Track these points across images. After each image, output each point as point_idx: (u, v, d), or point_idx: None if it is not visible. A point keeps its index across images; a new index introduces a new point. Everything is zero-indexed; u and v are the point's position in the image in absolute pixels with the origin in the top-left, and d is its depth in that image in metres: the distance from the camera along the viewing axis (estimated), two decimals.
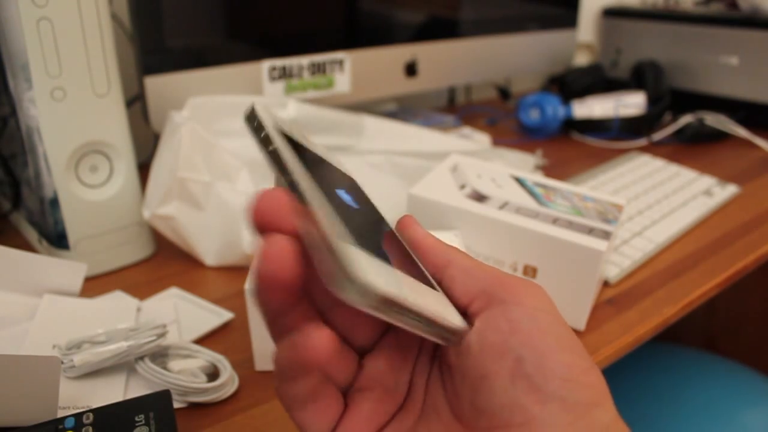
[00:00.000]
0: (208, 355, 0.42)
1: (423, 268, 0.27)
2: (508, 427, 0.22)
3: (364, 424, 0.26)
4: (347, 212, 0.24)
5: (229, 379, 0.41)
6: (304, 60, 0.76)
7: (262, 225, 0.21)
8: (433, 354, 0.28)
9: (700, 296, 0.55)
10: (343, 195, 0.26)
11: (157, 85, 0.66)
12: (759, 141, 0.94)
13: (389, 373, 0.28)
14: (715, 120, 0.95)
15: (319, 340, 0.21)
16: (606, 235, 0.46)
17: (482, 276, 0.26)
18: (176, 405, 0.39)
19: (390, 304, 0.20)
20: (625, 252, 0.59)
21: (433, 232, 0.31)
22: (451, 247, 0.27)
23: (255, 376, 0.43)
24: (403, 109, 1.03)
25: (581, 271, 0.46)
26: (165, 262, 0.59)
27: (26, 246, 0.61)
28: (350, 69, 0.81)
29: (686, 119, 0.95)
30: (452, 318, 0.24)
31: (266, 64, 0.73)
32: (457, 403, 0.25)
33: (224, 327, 0.49)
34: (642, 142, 0.95)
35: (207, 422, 0.39)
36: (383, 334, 0.28)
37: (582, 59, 1.31)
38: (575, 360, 0.22)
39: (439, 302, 0.24)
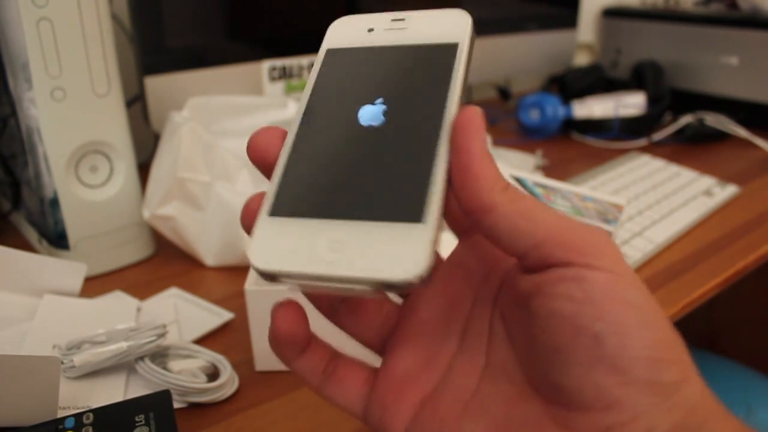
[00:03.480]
0: (208, 355, 0.42)
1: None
2: (589, 410, 0.20)
3: (401, 381, 0.24)
4: (349, 134, 0.24)
5: (229, 379, 0.41)
6: (304, 60, 0.76)
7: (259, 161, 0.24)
8: (494, 302, 0.24)
9: (700, 296, 0.55)
10: (369, 110, 0.24)
11: (157, 85, 0.66)
12: (759, 141, 0.94)
13: (434, 320, 0.25)
14: (715, 120, 0.95)
15: (276, 314, 0.23)
16: None
17: (534, 228, 0.21)
18: (176, 405, 0.39)
19: (281, 276, 0.21)
20: (625, 252, 0.59)
21: None
22: (500, 182, 0.22)
23: (255, 376, 0.43)
24: None
25: None
26: (165, 262, 0.59)
27: (26, 246, 0.61)
28: None
29: (686, 119, 0.95)
30: (386, 273, 0.20)
31: (266, 64, 0.73)
32: (531, 369, 0.22)
33: (224, 327, 0.49)
34: (642, 142, 0.95)
35: (207, 422, 0.39)
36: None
37: (582, 59, 1.31)
38: (659, 335, 0.20)
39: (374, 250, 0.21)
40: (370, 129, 0.23)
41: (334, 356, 0.25)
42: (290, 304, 0.24)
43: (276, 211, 0.22)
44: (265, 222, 0.22)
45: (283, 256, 0.21)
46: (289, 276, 0.21)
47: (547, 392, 0.21)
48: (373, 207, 0.21)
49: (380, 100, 0.24)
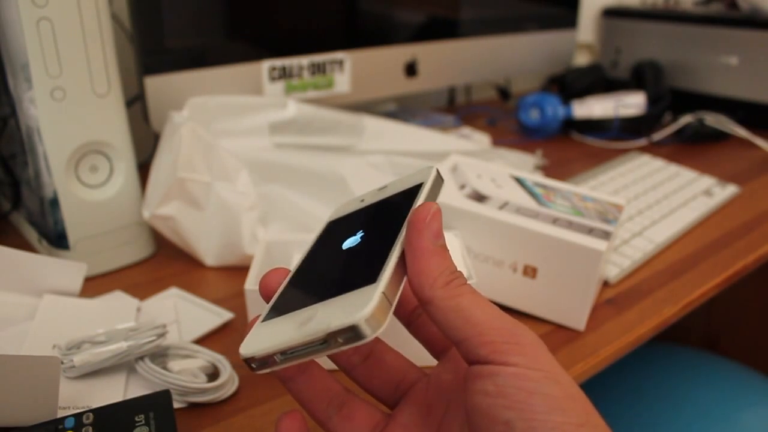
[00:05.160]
0: (208, 355, 0.42)
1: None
2: None
3: None
4: (333, 258, 0.29)
5: (229, 379, 0.41)
6: (304, 60, 0.76)
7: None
8: (464, 408, 0.27)
9: (700, 296, 0.55)
10: (351, 240, 0.29)
11: (157, 85, 0.66)
12: (759, 141, 0.94)
13: (413, 425, 0.28)
14: (715, 120, 0.95)
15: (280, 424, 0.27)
16: (606, 235, 0.46)
17: (463, 325, 0.24)
18: (176, 405, 0.39)
19: (258, 360, 0.25)
20: (625, 252, 0.59)
21: None
22: (442, 278, 0.24)
23: (255, 377, 0.43)
24: (403, 109, 1.03)
25: (581, 271, 0.46)
26: (165, 262, 0.59)
27: (26, 246, 0.61)
28: (350, 69, 0.81)
29: (686, 119, 0.95)
30: (337, 321, 0.23)
31: (266, 64, 0.73)
32: None
33: (224, 327, 0.49)
34: (642, 142, 0.95)
35: (207, 422, 0.39)
36: (407, 391, 0.29)
37: (582, 59, 1.31)
38: (566, 419, 0.22)
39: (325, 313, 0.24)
40: (347, 249, 0.28)
41: None
42: (293, 414, 0.27)
43: (266, 318, 0.27)
44: (257, 327, 0.27)
45: (262, 342, 0.25)
46: (266, 353, 0.24)
47: None
48: (336, 290, 0.25)
49: (360, 231, 0.29)
